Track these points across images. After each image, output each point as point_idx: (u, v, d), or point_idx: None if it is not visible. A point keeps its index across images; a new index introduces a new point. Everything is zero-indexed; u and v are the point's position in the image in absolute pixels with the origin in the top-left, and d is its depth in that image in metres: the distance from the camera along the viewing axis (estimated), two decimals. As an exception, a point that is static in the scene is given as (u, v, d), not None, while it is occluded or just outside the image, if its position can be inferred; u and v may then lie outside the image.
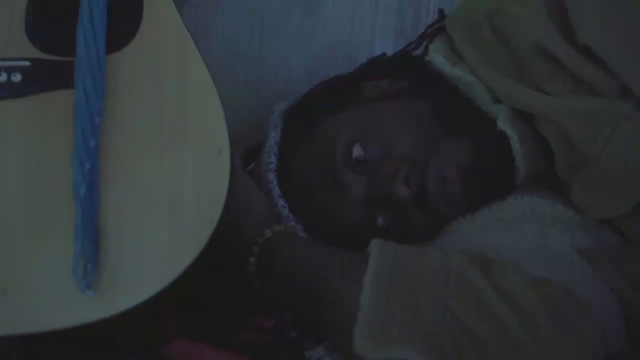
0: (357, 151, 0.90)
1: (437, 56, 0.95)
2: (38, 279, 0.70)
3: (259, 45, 1.13)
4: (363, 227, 0.90)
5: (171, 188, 0.76)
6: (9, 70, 0.78)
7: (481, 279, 0.72)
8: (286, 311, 0.89)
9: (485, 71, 0.90)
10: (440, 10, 0.98)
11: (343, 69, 1.14)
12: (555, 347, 0.69)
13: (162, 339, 0.79)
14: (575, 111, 0.84)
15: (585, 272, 0.80)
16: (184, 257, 0.73)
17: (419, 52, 0.98)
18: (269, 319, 0.91)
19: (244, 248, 0.86)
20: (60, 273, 0.70)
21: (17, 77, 0.78)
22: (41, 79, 0.79)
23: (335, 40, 1.14)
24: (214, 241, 0.75)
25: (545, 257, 0.82)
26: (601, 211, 0.85)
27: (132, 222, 0.74)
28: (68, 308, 0.68)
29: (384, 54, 1.02)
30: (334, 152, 0.91)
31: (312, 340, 0.85)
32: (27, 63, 0.79)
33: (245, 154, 0.97)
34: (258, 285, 0.87)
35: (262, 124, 1.12)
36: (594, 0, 0.83)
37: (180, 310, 0.78)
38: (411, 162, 0.88)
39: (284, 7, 1.13)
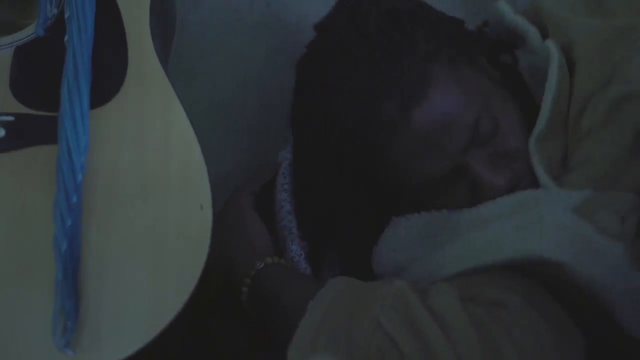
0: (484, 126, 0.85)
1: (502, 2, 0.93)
2: (17, 336, 0.70)
3: (243, 94, 1.14)
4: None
5: (153, 244, 0.76)
6: (-7, 125, 0.79)
7: (416, 299, 0.75)
8: (276, 342, 0.90)
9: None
10: None
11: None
12: None
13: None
14: None
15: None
16: (165, 313, 0.73)
17: None
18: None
19: (239, 279, 0.90)
20: (40, 330, 0.70)
21: (0, 132, 0.79)
22: (25, 134, 0.79)
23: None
24: (196, 295, 0.75)
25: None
26: None
27: (113, 277, 0.74)
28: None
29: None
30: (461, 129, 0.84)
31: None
32: (10, 118, 0.80)
33: (253, 195, 0.97)
34: (251, 315, 0.90)
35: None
36: None
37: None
38: (515, 154, 0.87)
39: (268, 60, 1.14)
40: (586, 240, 0.77)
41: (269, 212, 0.97)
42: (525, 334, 0.74)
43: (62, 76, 0.79)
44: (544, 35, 0.91)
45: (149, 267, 0.75)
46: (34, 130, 0.79)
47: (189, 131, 0.80)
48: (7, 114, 0.80)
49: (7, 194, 0.76)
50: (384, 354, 0.72)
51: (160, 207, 0.78)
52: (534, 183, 0.86)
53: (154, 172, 0.79)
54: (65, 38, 0.81)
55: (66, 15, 0.81)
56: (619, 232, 0.77)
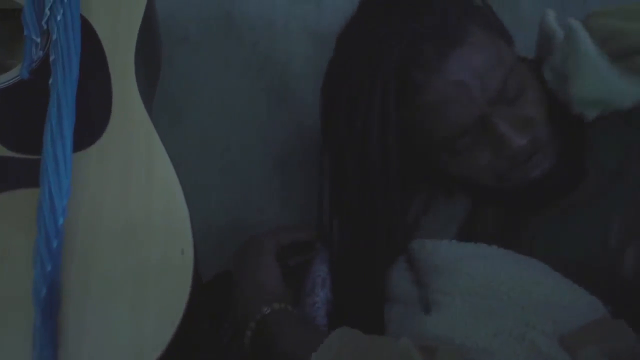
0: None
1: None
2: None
3: (229, 134, 1.14)
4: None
5: (134, 288, 0.76)
6: (-25, 168, 0.79)
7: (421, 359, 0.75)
8: None
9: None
10: None
11: (312, 156, 1.17)
12: None
13: None
14: None
15: None
16: (146, 358, 0.73)
17: None
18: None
19: (245, 321, 0.91)
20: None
21: (-18, 175, 0.79)
22: (7, 176, 0.79)
23: (304, 131, 1.16)
24: (176, 341, 0.75)
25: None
26: None
27: (93, 322, 0.74)
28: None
29: None
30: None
31: None
32: (-7, 160, 0.80)
33: (277, 245, 0.99)
34: (252, 358, 0.90)
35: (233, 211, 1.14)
36: None
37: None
38: (537, 122, 0.92)
39: (255, 99, 1.14)
40: None
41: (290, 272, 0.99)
42: None
43: (46, 119, 0.79)
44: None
45: (130, 312, 0.75)
46: (17, 173, 0.79)
47: (171, 175, 0.80)
48: (-11, 157, 0.80)
49: (-12, 237, 0.76)
50: None
51: (142, 251, 0.77)
52: (551, 156, 0.91)
53: (135, 215, 0.79)
54: (50, 81, 0.81)
55: (51, 58, 0.81)
56: None
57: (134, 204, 0.79)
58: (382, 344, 0.80)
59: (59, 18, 0.82)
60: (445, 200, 1.05)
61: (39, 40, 0.84)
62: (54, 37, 0.81)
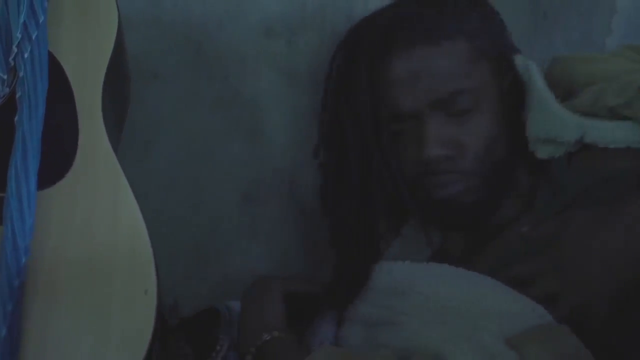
0: None
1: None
2: None
3: (198, 169, 1.14)
4: None
5: (96, 328, 0.76)
6: (-62, 205, 0.78)
7: None
8: None
9: None
10: None
11: (281, 191, 1.17)
12: None
13: None
14: None
15: None
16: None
17: None
18: None
19: (245, 346, 0.97)
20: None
21: (-55, 212, 0.78)
22: (-30, 214, 0.79)
23: (274, 167, 1.16)
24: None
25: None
26: None
27: (54, 363, 0.73)
28: None
29: None
30: None
31: None
32: (-44, 198, 0.79)
33: (284, 289, 1.03)
34: None
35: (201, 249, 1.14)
36: None
37: None
38: (467, 154, 0.99)
39: (225, 134, 1.15)
40: None
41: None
42: None
43: (11, 157, 0.79)
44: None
45: (92, 352, 0.75)
46: (-20, 211, 0.79)
47: (136, 215, 0.80)
48: (-48, 194, 0.79)
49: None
50: None
51: (105, 291, 0.77)
52: (470, 186, 0.97)
53: (99, 255, 0.78)
54: (16, 118, 0.80)
55: (18, 95, 0.81)
56: None
57: (98, 243, 0.79)
58: (365, 356, 0.86)
59: (26, 55, 0.82)
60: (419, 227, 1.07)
61: (5, 77, 0.84)
62: (21, 74, 0.81)
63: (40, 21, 0.84)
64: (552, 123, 0.95)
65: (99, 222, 0.80)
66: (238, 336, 1.00)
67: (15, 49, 0.83)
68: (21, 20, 0.82)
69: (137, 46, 1.08)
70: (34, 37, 0.82)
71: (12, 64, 0.83)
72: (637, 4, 1.27)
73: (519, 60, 1.00)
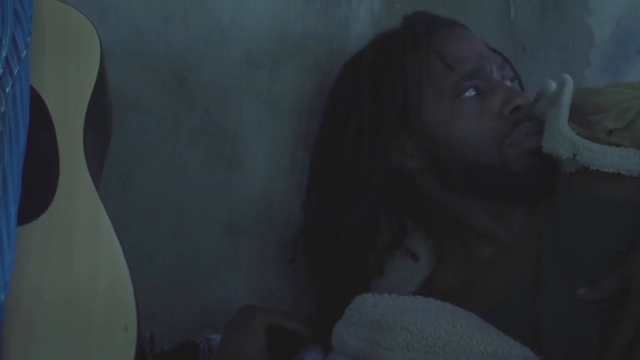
0: None
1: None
2: None
3: (179, 200, 1.15)
4: None
5: (75, 365, 0.75)
6: None
7: None
8: None
9: None
10: None
11: (262, 222, 1.18)
12: None
13: None
14: None
15: None
16: None
17: None
18: None
19: None
20: None
21: None
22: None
23: (255, 198, 1.17)
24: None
25: None
26: None
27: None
28: None
29: None
30: None
31: None
32: None
33: (267, 322, 1.03)
34: None
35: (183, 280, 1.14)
36: None
37: None
38: None
39: (206, 165, 1.15)
40: None
41: None
42: None
43: (-9, 192, 0.79)
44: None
45: (70, 389, 0.74)
46: (-41, 247, 0.78)
47: (117, 251, 0.80)
48: None
49: None
50: None
51: (84, 327, 0.77)
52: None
53: (79, 291, 0.78)
54: (-4, 153, 0.81)
55: (-1, 130, 0.81)
56: None
57: (78, 279, 0.79)
58: None
59: (7, 90, 0.82)
60: (405, 260, 1.08)
61: (-14, 111, 0.84)
62: (2, 109, 0.81)
63: (22, 56, 0.84)
64: (553, 137, 0.96)
65: (79, 257, 0.80)
66: None
67: (-4, 84, 0.83)
68: (3, 55, 0.83)
69: (119, 77, 1.09)
70: (15, 72, 0.83)
71: (-7, 98, 0.83)
72: (614, 37, 1.29)
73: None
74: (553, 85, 1.05)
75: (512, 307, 0.94)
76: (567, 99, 0.98)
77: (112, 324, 0.77)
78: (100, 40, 0.90)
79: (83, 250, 0.80)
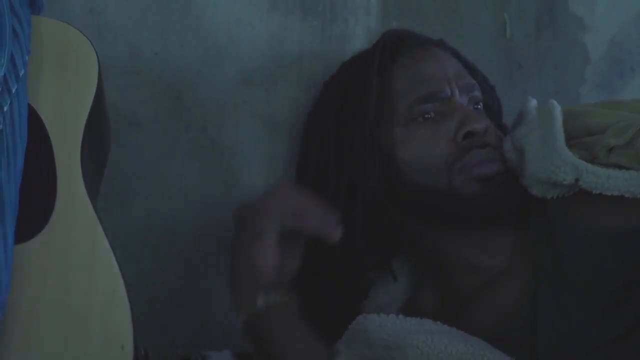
0: None
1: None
2: None
3: (176, 219, 1.15)
4: None
5: (72, 384, 0.75)
6: None
7: None
8: None
9: None
10: None
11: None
12: None
13: None
14: None
15: None
16: None
17: None
18: None
19: (240, 307, 0.94)
20: None
21: None
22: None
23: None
24: None
25: None
26: None
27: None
28: None
29: None
30: None
31: None
32: None
33: (280, 227, 0.95)
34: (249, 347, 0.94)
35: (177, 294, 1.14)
36: None
37: None
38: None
39: (203, 183, 1.16)
40: None
41: None
42: None
43: (-12, 211, 0.79)
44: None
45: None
46: (-44, 265, 0.78)
47: (114, 270, 0.80)
48: None
49: None
50: None
51: (81, 346, 0.77)
52: (504, 174, 0.98)
53: (76, 310, 0.78)
54: (-6, 171, 0.81)
55: (-4, 148, 0.81)
56: None
57: (75, 298, 0.79)
58: None
59: (5, 109, 0.82)
60: (387, 284, 1.07)
61: (-16, 129, 0.84)
62: (0, 127, 0.82)
63: (21, 75, 0.84)
64: (551, 162, 0.94)
65: (76, 277, 0.80)
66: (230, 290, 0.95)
67: (-6, 103, 0.83)
68: (1, 73, 0.83)
69: (117, 94, 1.09)
70: (13, 90, 0.83)
71: (-9, 116, 0.84)
72: (609, 54, 1.30)
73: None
74: (533, 103, 1.03)
75: (511, 339, 0.92)
76: (559, 124, 0.96)
77: (109, 342, 0.77)
78: (98, 58, 0.90)
79: (80, 268, 0.80)
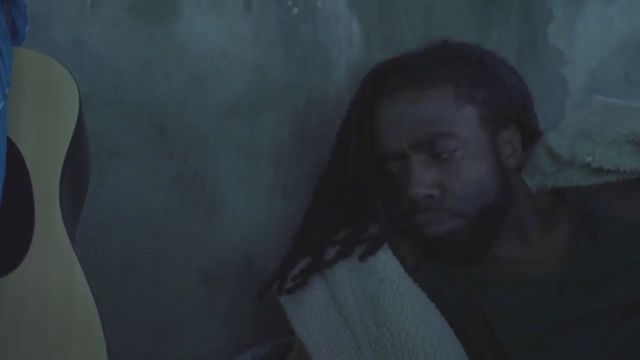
0: None
1: None
2: None
3: (156, 249, 1.14)
4: None
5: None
6: None
7: None
8: None
9: None
10: None
11: (240, 271, 1.18)
12: None
13: None
14: None
15: None
16: None
17: None
18: None
19: None
20: None
21: None
22: None
23: (232, 246, 1.17)
24: None
25: None
26: None
27: None
28: None
29: None
30: None
31: None
32: None
33: None
34: None
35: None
36: None
37: None
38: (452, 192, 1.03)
39: (184, 213, 1.15)
40: None
41: None
42: None
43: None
44: None
45: None
46: None
47: (90, 305, 0.80)
48: None
49: None
50: None
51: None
52: (453, 232, 1.00)
53: (52, 344, 0.78)
54: (-28, 205, 0.81)
55: (-26, 182, 0.81)
56: None
57: (51, 332, 0.78)
58: None
59: (-16, 142, 0.82)
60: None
61: (-37, 163, 0.84)
62: (-22, 161, 0.82)
63: (0, 107, 0.84)
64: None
65: (52, 311, 0.79)
66: None
67: (-27, 136, 0.83)
68: (-20, 107, 0.83)
69: (99, 125, 1.09)
70: (-8, 124, 0.83)
71: (-30, 150, 0.83)
72: (588, 87, 1.31)
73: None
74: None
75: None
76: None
77: (85, 378, 0.77)
78: (79, 92, 0.90)
79: (56, 303, 0.80)
